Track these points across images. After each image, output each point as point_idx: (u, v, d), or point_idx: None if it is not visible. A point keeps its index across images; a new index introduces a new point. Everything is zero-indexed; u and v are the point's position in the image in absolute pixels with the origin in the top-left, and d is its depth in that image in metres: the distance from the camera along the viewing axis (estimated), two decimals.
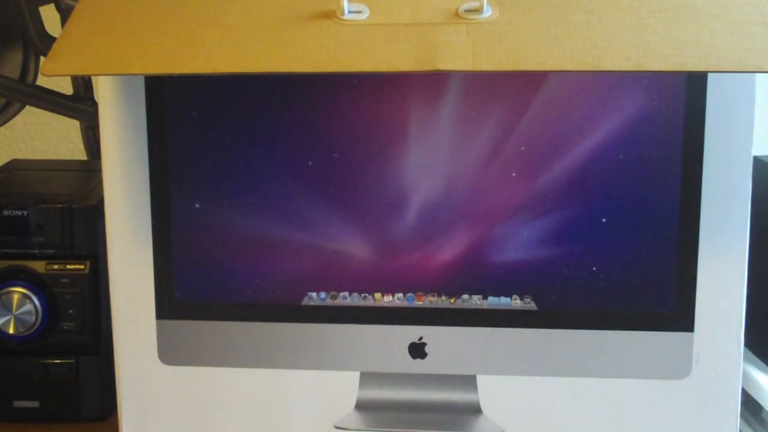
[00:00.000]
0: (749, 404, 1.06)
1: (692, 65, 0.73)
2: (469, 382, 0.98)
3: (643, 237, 0.95)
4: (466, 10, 0.79)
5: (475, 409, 0.98)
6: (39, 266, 1.03)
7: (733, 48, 0.74)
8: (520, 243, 0.96)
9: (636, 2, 0.78)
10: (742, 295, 0.95)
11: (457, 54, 0.74)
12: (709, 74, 0.92)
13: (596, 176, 0.94)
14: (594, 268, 0.95)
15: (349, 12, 0.81)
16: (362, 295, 0.98)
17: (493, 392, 0.98)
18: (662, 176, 0.94)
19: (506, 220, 0.95)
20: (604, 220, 0.95)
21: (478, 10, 0.79)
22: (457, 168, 0.94)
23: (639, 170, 0.93)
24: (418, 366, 0.98)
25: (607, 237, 0.95)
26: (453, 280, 0.97)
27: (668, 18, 0.76)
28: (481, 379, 0.98)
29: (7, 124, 1.39)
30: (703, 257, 0.94)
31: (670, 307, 0.96)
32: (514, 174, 0.94)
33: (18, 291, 1.02)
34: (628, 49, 0.73)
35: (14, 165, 1.26)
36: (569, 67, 0.72)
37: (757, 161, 1.00)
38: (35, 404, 1.06)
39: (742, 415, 1.00)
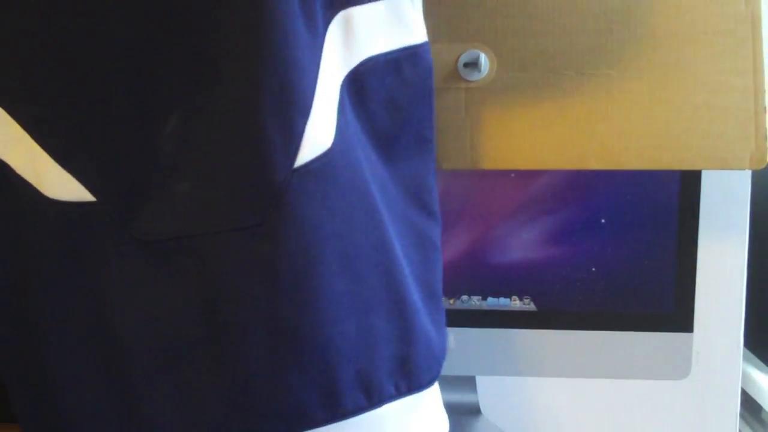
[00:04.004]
0: (749, 404, 1.06)
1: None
2: (468, 382, 0.98)
3: (642, 237, 0.94)
4: (465, 64, 0.79)
5: (475, 410, 0.98)
6: None
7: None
8: (519, 243, 0.96)
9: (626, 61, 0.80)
10: (741, 295, 0.95)
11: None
12: None
13: (596, 176, 0.94)
14: (593, 269, 0.95)
15: None
16: None
17: (493, 393, 0.98)
18: (661, 176, 0.93)
19: (505, 221, 0.95)
20: (603, 220, 0.94)
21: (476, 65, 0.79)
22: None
23: (638, 171, 0.93)
24: None
25: (607, 237, 0.95)
26: (452, 281, 0.97)
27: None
28: (480, 380, 0.98)
29: None
30: (703, 257, 0.94)
31: (669, 307, 0.95)
32: (513, 174, 0.94)
33: None
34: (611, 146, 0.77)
35: None
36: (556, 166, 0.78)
37: None
38: None
39: (741, 415, 1.00)
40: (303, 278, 0.60)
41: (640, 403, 0.97)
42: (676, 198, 0.94)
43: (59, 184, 0.60)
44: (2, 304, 0.65)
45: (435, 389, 0.70)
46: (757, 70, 0.77)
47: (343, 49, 0.62)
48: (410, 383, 0.66)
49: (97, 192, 0.60)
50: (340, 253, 0.61)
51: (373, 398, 0.64)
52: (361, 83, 0.63)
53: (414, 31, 0.66)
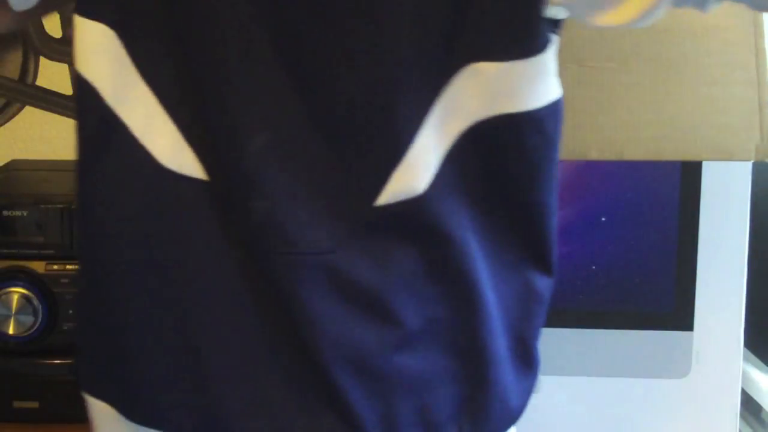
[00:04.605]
0: (749, 404, 1.06)
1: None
2: None
3: (642, 236, 0.95)
4: None
5: None
6: (39, 266, 1.03)
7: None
8: None
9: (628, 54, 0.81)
10: (742, 295, 0.95)
11: None
12: None
13: (596, 175, 0.94)
14: (593, 267, 0.95)
15: None
16: None
17: None
18: (662, 176, 0.94)
19: None
20: (604, 219, 0.95)
21: None
22: None
23: (639, 169, 0.93)
24: None
25: (607, 236, 0.95)
26: None
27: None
28: None
29: (7, 124, 1.38)
30: (703, 256, 0.94)
31: (670, 306, 0.96)
32: None
33: (18, 291, 1.01)
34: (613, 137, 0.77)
35: (14, 165, 1.26)
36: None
37: (757, 161, 1.00)
38: (35, 404, 1.05)
39: (741, 415, 0.99)
40: (372, 308, 0.61)
41: (640, 401, 0.97)
42: (676, 197, 0.94)
43: (175, 155, 0.61)
44: (87, 260, 0.66)
45: None
46: (760, 63, 0.78)
47: (471, 101, 0.59)
48: (475, 427, 0.65)
49: (210, 173, 0.60)
50: (413, 290, 0.62)
51: None
52: (492, 136, 0.61)
53: (555, 84, 0.63)
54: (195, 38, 0.59)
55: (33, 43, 1.19)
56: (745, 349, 0.99)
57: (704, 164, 0.93)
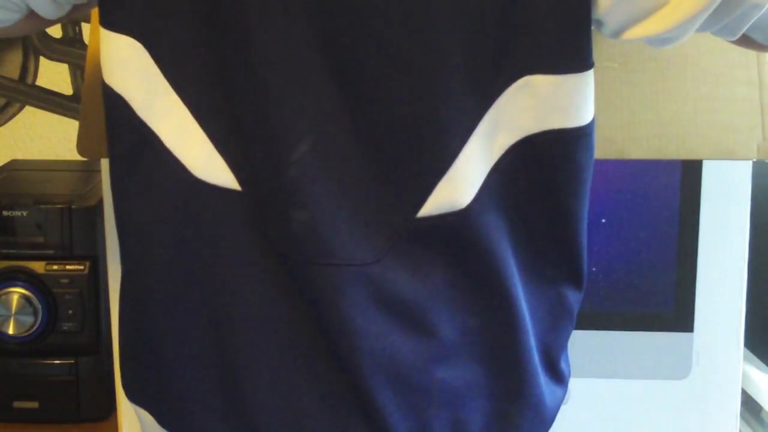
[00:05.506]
0: (749, 404, 1.06)
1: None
2: None
3: (643, 238, 0.94)
4: None
5: None
6: (38, 267, 1.03)
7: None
8: None
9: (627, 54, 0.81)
10: (742, 295, 0.95)
11: None
12: None
13: (596, 176, 0.94)
14: (594, 269, 0.95)
15: None
16: None
17: None
18: (662, 177, 0.93)
19: None
20: (604, 220, 0.95)
21: None
22: None
23: (639, 171, 0.93)
24: None
25: (607, 237, 0.95)
26: None
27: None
28: None
29: (7, 124, 1.39)
30: (703, 258, 0.94)
31: (669, 307, 0.95)
32: None
33: (17, 291, 1.02)
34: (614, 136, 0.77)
35: (14, 165, 1.26)
36: None
37: (757, 162, 1.00)
38: (35, 404, 1.06)
39: (742, 415, 1.00)
40: (411, 320, 0.61)
41: (641, 403, 0.97)
42: (676, 199, 0.94)
43: (208, 166, 0.60)
44: (126, 270, 0.65)
45: None
46: (761, 62, 0.78)
47: (522, 115, 0.59)
48: None
49: (244, 183, 0.60)
50: (451, 303, 0.62)
51: None
52: (542, 152, 0.61)
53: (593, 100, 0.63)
54: (234, 47, 0.58)
55: (33, 43, 1.19)
56: (745, 349, 0.99)
57: (704, 165, 0.93)
